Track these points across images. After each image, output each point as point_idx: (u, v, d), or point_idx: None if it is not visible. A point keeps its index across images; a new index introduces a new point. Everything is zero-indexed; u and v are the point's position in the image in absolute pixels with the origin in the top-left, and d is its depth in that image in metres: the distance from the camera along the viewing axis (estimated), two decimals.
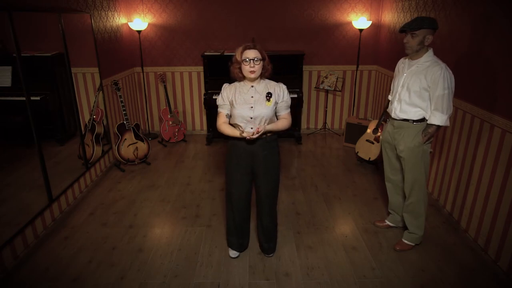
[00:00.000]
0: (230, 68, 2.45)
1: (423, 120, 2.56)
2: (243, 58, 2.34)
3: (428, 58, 2.49)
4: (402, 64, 2.69)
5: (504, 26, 2.49)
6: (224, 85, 2.52)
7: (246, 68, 2.34)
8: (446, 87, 2.40)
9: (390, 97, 2.85)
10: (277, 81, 2.52)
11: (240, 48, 2.36)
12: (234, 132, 2.42)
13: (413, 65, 2.55)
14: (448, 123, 2.49)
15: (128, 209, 3.50)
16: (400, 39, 4.36)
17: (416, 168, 2.66)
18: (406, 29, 2.45)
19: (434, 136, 2.72)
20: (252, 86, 2.43)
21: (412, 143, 2.60)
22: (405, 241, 2.85)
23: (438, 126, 2.51)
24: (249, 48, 2.35)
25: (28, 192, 2.98)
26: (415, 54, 2.52)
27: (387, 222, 3.12)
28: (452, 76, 2.43)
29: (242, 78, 2.44)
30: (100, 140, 4.11)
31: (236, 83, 2.49)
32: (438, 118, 2.46)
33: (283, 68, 4.97)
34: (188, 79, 5.43)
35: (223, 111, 2.51)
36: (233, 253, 2.79)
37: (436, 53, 2.54)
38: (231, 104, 2.45)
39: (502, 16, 2.52)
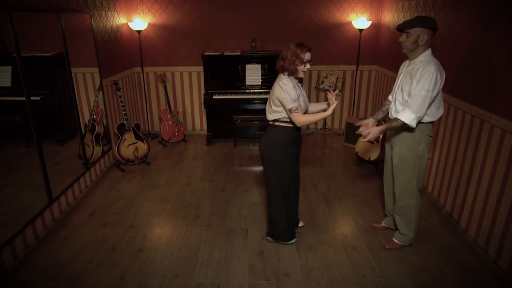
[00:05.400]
0: (285, 63, 2.49)
1: (418, 122, 2.50)
2: (306, 59, 2.48)
3: (423, 58, 2.43)
4: (404, 65, 2.66)
5: (504, 26, 2.49)
6: (287, 82, 2.50)
7: (302, 68, 2.50)
8: (426, 89, 2.33)
9: (390, 97, 2.84)
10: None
11: (304, 49, 2.48)
12: (324, 113, 2.57)
13: (410, 65, 2.53)
14: (413, 125, 2.41)
15: (128, 209, 3.50)
16: None
17: (406, 174, 2.63)
18: (401, 28, 2.45)
19: (432, 142, 2.68)
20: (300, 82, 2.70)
21: (406, 153, 2.57)
22: (395, 241, 2.85)
23: (403, 123, 2.43)
24: (310, 51, 2.52)
25: (28, 192, 2.98)
26: (412, 54, 2.48)
27: (384, 224, 3.12)
28: (439, 81, 2.35)
29: (293, 74, 2.54)
30: (100, 140, 4.11)
31: (292, 79, 2.56)
32: (406, 116, 2.40)
33: None
34: (188, 79, 5.43)
35: (298, 103, 2.51)
36: (294, 240, 2.94)
37: (436, 53, 2.53)
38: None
39: (502, 16, 2.52)
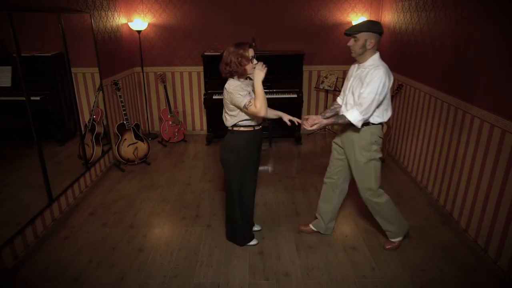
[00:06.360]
0: (232, 67, 2.46)
1: (368, 124, 2.53)
2: (251, 55, 2.45)
3: (372, 62, 2.46)
4: (353, 68, 2.65)
5: (504, 26, 2.49)
6: (233, 82, 2.49)
7: (251, 66, 2.45)
8: (374, 92, 2.36)
9: (338, 100, 2.82)
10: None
11: (246, 46, 2.45)
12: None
13: (359, 69, 2.54)
14: (359, 125, 2.44)
15: (128, 209, 3.50)
16: (400, 39, 4.37)
17: (362, 176, 2.64)
18: (348, 32, 2.46)
19: (383, 142, 2.66)
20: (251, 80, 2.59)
21: (359, 155, 2.59)
22: (391, 239, 2.87)
23: (349, 122, 2.45)
24: (251, 47, 2.47)
25: (28, 192, 2.98)
26: (361, 58, 2.49)
27: (311, 227, 3.09)
28: (386, 85, 2.39)
29: (243, 75, 2.50)
30: (100, 140, 4.11)
31: (242, 81, 2.53)
32: (353, 116, 2.41)
33: (283, 68, 4.96)
34: (188, 79, 5.43)
35: (250, 97, 2.45)
36: (254, 241, 2.93)
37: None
38: None
39: (502, 16, 2.52)
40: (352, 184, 3.93)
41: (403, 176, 4.12)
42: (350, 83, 2.59)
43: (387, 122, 4.28)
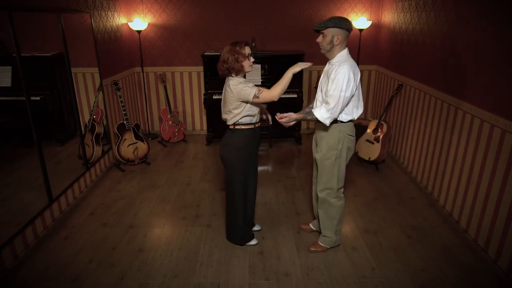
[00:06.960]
0: (229, 64, 2.47)
1: (336, 121, 2.51)
2: (247, 53, 2.48)
3: (339, 58, 2.45)
4: (326, 65, 2.65)
5: (504, 26, 2.49)
6: (236, 78, 2.52)
7: (249, 63, 2.50)
8: (339, 89, 2.34)
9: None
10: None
11: (242, 44, 2.49)
12: (287, 76, 2.46)
13: (328, 65, 2.55)
14: (327, 123, 2.43)
15: (128, 209, 3.50)
16: (400, 39, 4.37)
17: (326, 173, 2.64)
18: (316, 28, 2.47)
19: (354, 140, 2.67)
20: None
21: (327, 152, 2.58)
22: (320, 243, 2.85)
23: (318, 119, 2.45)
24: (247, 45, 2.52)
25: (28, 192, 2.98)
26: (330, 54, 2.50)
27: (311, 226, 3.10)
28: (352, 81, 2.36)
29: (240, 72, 2.52)
30: (100, 140, 4.11)
31: (240, 78, 2.56)
32: (320, 113, 2.40)
33: (283, 68, 4.91)
34: (188, 79, 5.43)
35: (256, 87, 2.48)
36: (254, 241, 2.94)
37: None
38: None
39: (502, 16, 2.52)
40: (348, 183, 3.95)
41: (403, 176, 4.12)
42: (321, 80, 2.62)
43: (387, 122, 4.28)
